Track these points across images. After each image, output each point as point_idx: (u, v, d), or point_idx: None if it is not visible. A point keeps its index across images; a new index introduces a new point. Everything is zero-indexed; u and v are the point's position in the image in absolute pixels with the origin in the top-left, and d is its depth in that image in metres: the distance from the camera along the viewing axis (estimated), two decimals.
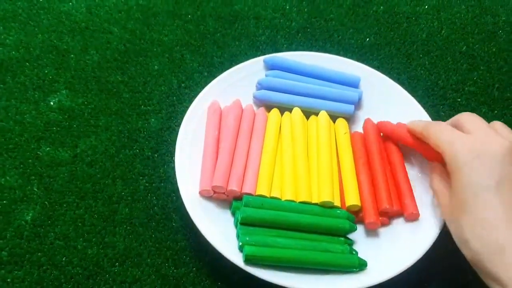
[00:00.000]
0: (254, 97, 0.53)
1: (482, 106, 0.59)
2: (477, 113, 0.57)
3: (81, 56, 0.59)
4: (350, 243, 0.45)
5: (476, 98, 0.60)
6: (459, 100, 0.59)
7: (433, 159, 0.46)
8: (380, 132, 0.51)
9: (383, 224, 0.47)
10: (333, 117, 0.52)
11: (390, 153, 0.50)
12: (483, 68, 0.62)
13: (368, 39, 0.64)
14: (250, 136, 0.50)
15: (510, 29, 0.67)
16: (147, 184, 0.51)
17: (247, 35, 0.63)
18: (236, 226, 0.45)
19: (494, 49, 0.64)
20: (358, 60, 0.57)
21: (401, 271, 0.42)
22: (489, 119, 0.57)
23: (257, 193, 0.46)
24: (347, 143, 0.50)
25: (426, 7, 0.68)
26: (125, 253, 0.47)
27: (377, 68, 0.57)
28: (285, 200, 0.46)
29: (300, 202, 0.46)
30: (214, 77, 0.53)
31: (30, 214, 0.48)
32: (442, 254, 0.45)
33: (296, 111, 0.51)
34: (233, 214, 0.46)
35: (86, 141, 0.53)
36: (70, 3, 0.64)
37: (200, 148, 0.49)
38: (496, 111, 0.59)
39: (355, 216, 0.47)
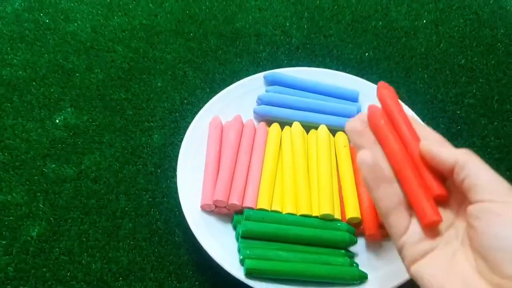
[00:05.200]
0: (255, 112, 0.54)
1: (481, 118, 0.59)
2: (476, 125, 0.58)
3: (86, 74, 0.61)
4: (351, 255, 0.46)
5: (475, 111, 0.60)
6: (459, 112, 0.60)
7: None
8: None
9: (383, 237, 0.47)
10: (333, 131, 0.53)
11: None
12: (482, 81, 0.63)
13: (367, 54, 0.65)
14: (250, 151, 0.51)
15: (509, 42, 0.67)
16: (150, 199, 0.51)
17: (248, 52, 0.64)
18: (237, 239, 0.45)
19: (493, 62, 0.65)
20: (357, 74, 0.58)
21: (402, 283, 0.43)
22: (489, 131, 0.58)
23: (258, 207, 0.47)
24: (347, 156, 0.51)
25: (425, 21, 0.69)
26: (128, 268, 0.47)
27: (376, 82, 0.57)
28: (286, 214, 0.47)
29: (301, 215, 0.47)
30: (216, 93, 0.55)
31: (36, 230, 0.49)
32: None
33: (296, 125, 0.52)
34: (235, 228, 0.47)
35: (90, 157, 0.54)
36: (76, 24, 0.66)
37: (202, 163, 0.50)
38: (496, 123, 0.59)
39: (356, 228, 0.47)
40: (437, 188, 0.32)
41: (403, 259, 0.32)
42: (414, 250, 0.31)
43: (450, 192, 0.33)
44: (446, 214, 0.32)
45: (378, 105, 0.36)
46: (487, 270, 0.28)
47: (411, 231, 0.32)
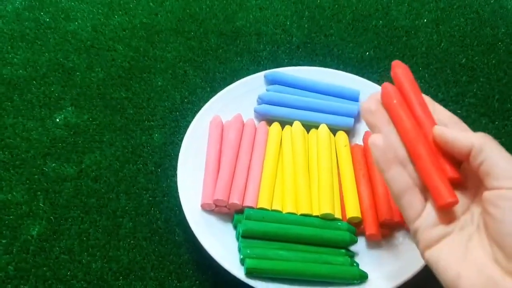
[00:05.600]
0: (255, 111, 0.54)
1: (482, 117, 0.59)
2: (477, 125, 0.58)
3: (87, 73, 0.61)
4: (351, 255, 0.46)
5: (476, 110, 0.60)
6: (459, 112, 0.60)
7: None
8: None
9: (384, 236, 0.47)
10: (333, 130, 0.53)
11: None
12: (483, 80, 0.63)
13: (367, 53, 0.65)
14: (251, 150, 0.51)
15: (510, 41, 0.67)
16: (150, 199, 0.51)
17: (248, 50, 0.64)
18: (237, 239, 0.45)
19: (493, 61, 0.65)
20: (358, 74, 0.58)
21: (402, 283, 0.43)
22: (489, 131, 0.58)
23: (258, 206, 0.47)
24: (347, 155, 0.51)
25: (425, 20, 0.69)
26: (129, 267, 0.47)
27: (377, 81, 0.57)
28: (286, 213, 0.47)
29: (301, 215, 0.47)
30: (216, 92, 0.55)
31: (36, 229, 0.49)
32: None
33: (297, 124, 0.52)
34: (235, 227, 0.47)
35: (91, 156, 0.54)
36: (76, 23, 0.65)
37: (202, 162, 0.50)
38: (496, 122, 0.59)
39: (356, 228, 0.47)
40: (450, 171, 0.31)
41: (417, 243, 0.32)
42: (429, 234, 0.31)
43: (466, 176, 0.32)
44: (461, 199, 0.31)
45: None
46: (503, 258, 0.28)
47: (425, 215, 0.31)
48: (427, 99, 0.35)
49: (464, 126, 0.33)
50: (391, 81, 0.57)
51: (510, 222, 0.27)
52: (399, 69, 0.35)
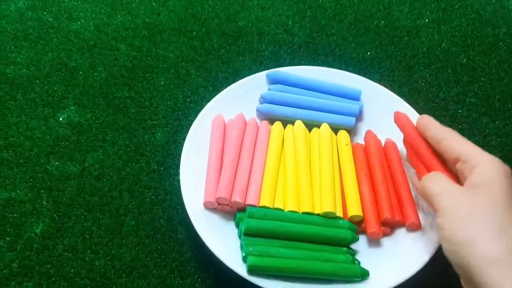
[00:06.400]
0: (257, 110, 0.54)
1: (483, 117, 0.60)
2: (478, 124, 0.59)
3: (89, 73, 0.61)
4: (353, 253, 0.46)
5: (477, 110, 0.60)
6: (460, 111, 0.60)
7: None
8: (381, 143, 0.52)
9: (385, 234, 0.47)
10: (335, 129, 0.53)
11: (391, 163, 0.51)
12: (484, 80, 0.63)
13: (369, 52, 0.65)
14: (253, 149, 0.51)
15: (511, 41, 0.67)
16: (153, 197, 0.52)
17: (250, 50, 0.64)
18: (240, 237, 0.46)
19: (494, 61, 0.65)
20: (359, 73, 0.58)
21: (403, 281, 0.43)
22: (490, 130, 0.58)
23: (260, 204, 0.47)
24: (349, 154, 0.51)
25: (427, 20, 0.69)
26: (131, 264, 0.47)
27: (379, 81, 0.58)
28: (288, 211, 0.47)
29: (303, 213, 0.47)
30: (219, 91, 0.55)
31: (40, 227, 0.49)
32: (445, 263, 0.45)
33: (299, 123, 0.52)
34: (237, 225, 0.47)
35: (94, 155, 0.54)
36: (79, 22, 0.66)
37: (204, 161, 0.50)
38: (497, 122, 0.59)
39: (357, 226, 0.47)
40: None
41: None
42: None
43: None
44: None
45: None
46: None
47: None
48: (427, 118, 0.44)
49: (461, 137, 0.43)
50: (392, 80, 0.59)
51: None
52: (400, 117, 0.47)
